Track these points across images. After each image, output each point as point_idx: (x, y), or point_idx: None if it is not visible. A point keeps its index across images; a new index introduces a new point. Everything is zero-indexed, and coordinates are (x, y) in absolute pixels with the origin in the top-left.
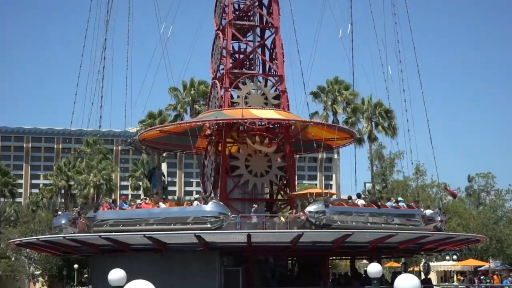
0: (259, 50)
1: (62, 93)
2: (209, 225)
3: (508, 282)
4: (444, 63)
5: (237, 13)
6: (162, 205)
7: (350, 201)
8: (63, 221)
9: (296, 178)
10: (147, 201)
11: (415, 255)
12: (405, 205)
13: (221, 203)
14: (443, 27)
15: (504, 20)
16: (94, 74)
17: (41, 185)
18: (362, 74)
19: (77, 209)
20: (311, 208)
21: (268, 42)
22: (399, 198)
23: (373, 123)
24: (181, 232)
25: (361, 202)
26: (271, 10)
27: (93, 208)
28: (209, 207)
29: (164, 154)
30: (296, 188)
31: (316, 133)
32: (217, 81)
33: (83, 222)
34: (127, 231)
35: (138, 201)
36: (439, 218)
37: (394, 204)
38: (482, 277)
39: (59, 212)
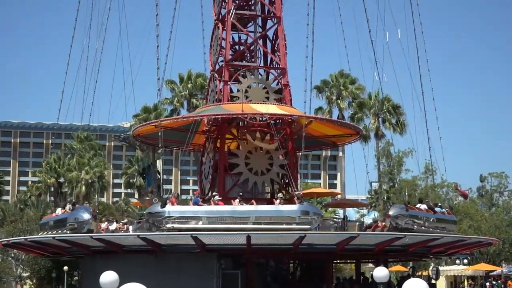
0: (260, 41)
1: (52, 85)
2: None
3: None
4: (456, 59)
5: (237, 2)
6: (235, 202)
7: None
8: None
9: (298, 177)
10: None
11: (424, 258)
12: (445, 211)
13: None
14: (457, 20)
15: None
16: (85, 65)
17: (29, 183)
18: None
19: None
20: (392, 211)
21: (270, 33)
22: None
23: (380, 119)
24: (176, 233)
25: (423, 206)
26: None
27: (158, 203)
28: (304, 207)
29: (160, 151)
30: (299, 187)
31: (320, 129)
32: (215, 74)
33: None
34: (208, 230)
35: (216, 197)
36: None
37: (442, 210)
38: (494, 283)
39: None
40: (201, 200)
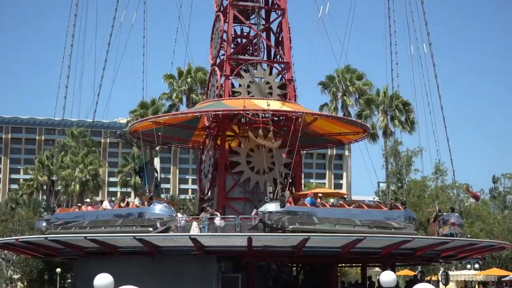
0: (263, 34)
1: (45, 80)
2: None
3: None
4: (469, 59)
5: None
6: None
7: None
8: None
9: (302, 176)
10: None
11: (433, 263)
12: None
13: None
14: (468, 20)
15: None
16: (81, 59)
17: (21, 180)
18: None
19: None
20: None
21: (274, 26)
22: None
23: (388, 116)
24: (175, 234)
25: (455, 216)
26: None
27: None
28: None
29: (157, 148)
30: (303, 187)
31: (325, 127)
32: (216, 68)
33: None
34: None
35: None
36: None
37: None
38: None
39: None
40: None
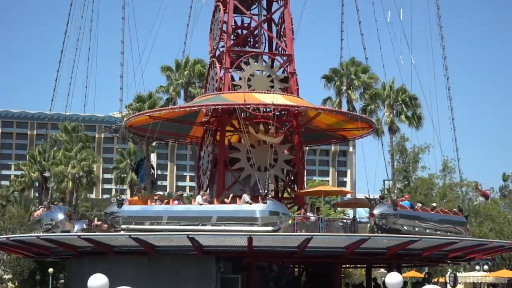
0: (265, 26)
1: (38, 72)
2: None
3: None
4: (479, 53)
5: None
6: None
7: None
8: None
9: (305, 174)
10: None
11: (441, 264)
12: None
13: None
14: (479, 14)
15: None
16: (73, 52)
17: (12, 177)
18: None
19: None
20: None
21: (276, 17)
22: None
23: (394, 111)
24: (172, 233)
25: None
26: None
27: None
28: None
29: (154, 144)
30: (305, 184)
31: (329, 122)
32: (216, 61)
33: None
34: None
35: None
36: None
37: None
38: None
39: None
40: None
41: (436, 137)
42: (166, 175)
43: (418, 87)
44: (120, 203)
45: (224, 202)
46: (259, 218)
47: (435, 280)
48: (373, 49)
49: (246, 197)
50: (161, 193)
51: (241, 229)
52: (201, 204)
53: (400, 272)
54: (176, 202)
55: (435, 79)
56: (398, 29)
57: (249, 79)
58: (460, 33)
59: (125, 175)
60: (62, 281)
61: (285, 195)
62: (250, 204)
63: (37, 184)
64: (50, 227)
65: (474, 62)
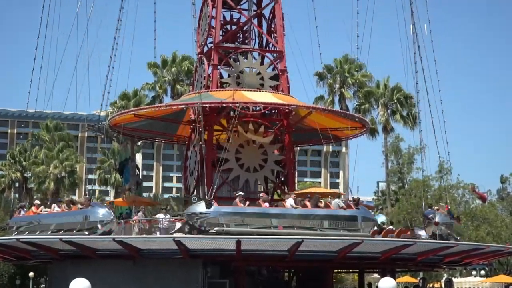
0: (255, 21)
1: (19, 68)
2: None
3: None
4: (475, 52)
5: None
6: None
7: None
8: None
9: (296, 175)
10: None
11: (436, 268)
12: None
13: None
14: (476, 12)
15: None
16: (56, 46)
17: None
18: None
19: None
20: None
21: (266, 12)
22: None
23: (389, 111)
24: (156, 236)
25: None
26: None
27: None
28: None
29: (139, 143)
30: (296, 186)
31: (321, 121)
32: (204, 57)
33: None
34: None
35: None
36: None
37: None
38: None
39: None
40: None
41: (428, 138)
42: (152, 176)
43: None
44: (209, 204)
45: (318, 206)
46: (360, 223)
47: (430, 285)
48: (374, 48)
49: (339, 201)
50: (242, 193)
51: (342, 233)
52: (295, 207)
53: (394, 277)
54: (266, 204)
55: (431, 80)
56: (397, 29)
57: (238, 77)
58: (455, 31)
59: (109, 176)
60: (43, 285)
61: (275, 197)
62: (345, 209)
63: (17, 185)
64: (101, 227)
65: (470, 64)
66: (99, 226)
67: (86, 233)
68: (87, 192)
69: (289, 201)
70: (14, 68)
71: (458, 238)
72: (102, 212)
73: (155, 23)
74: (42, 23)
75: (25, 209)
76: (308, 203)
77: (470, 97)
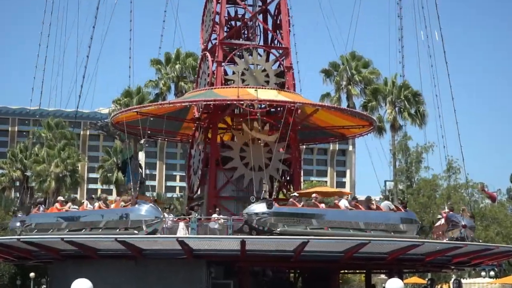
0: (260, 17)
1: (20, 66)
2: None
3: None
4: (485, 51)
5: None
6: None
7: None
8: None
9: (302, 174)
10: None
11: (444, 270)
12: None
13: None
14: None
15: None
16: (60, 43)
17: None
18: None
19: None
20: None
21: (272, 7)
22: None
23: (397, 108)
24: (161, 236)
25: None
26: None
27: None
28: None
29: (142, 141)
30: (302, 185)
31: (327, 119)
32: (208, 54)
33: None
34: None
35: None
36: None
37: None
38: None
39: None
40: None
41: (438, 136)
42: (155, 175)
43: (419, 84)
44: (271, 204)
45: (370, 208)
46: (406, 226)
47: (438, 286)
48: (376, 48)
49: (389, 204)
50: (296, 194)
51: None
52: (350, 209)
53: (402, 278)
54: (322, 205)
55: (437, 76)
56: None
57: (243, 74)
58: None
59: (111, 175)
60: (44, 286)
61: (281, 196)
62: (395, 211)
63: (18, 184)
64: (154, 226)
65: (480, 63)
66: (144, 226)
67: (136, 232)
68: (127, 189)
69: (343, 202)
70: (14, 65)
71: (480, 240)
72: (149, 210)
73: (164, 22)
74: (45, 19)
75: (43, 205)
76: (360, 205)
77: (480, 96)
